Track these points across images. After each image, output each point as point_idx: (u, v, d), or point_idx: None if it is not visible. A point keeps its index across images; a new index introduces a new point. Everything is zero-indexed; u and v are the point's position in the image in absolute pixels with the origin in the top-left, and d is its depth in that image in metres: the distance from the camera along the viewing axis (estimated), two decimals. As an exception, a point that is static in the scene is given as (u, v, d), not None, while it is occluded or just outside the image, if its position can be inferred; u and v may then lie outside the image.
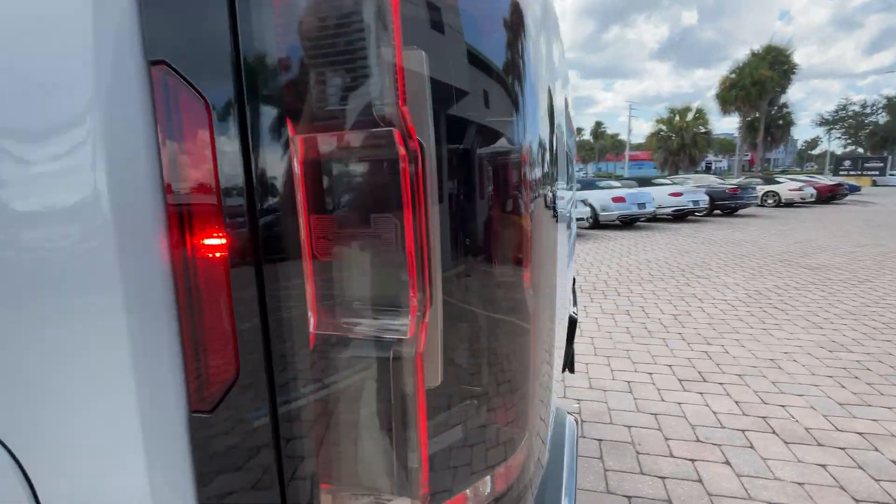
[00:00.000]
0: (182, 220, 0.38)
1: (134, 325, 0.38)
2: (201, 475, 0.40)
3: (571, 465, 0.84)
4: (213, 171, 0.38)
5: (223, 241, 0.38)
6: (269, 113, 0.36)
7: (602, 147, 78.86)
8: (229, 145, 0.37)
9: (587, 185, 13.69)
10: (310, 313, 0.38)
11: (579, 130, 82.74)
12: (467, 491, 0.42)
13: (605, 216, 12.19)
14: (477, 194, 0.40)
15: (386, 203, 0.36)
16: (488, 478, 0.43)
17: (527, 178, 0.43)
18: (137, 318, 0.38)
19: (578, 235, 11.07)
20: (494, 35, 0.41)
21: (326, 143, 0.37)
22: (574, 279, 2.15)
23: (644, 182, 15.28)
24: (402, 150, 0.35)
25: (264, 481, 0.39)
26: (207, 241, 0.38)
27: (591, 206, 11.99)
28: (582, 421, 2.59)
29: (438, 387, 0.39)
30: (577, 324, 1.73)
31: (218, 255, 0.38)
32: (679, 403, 2.81)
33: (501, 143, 0.42)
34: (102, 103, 0.37)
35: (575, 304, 1.92)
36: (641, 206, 12.27)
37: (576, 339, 2.69)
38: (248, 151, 0.37)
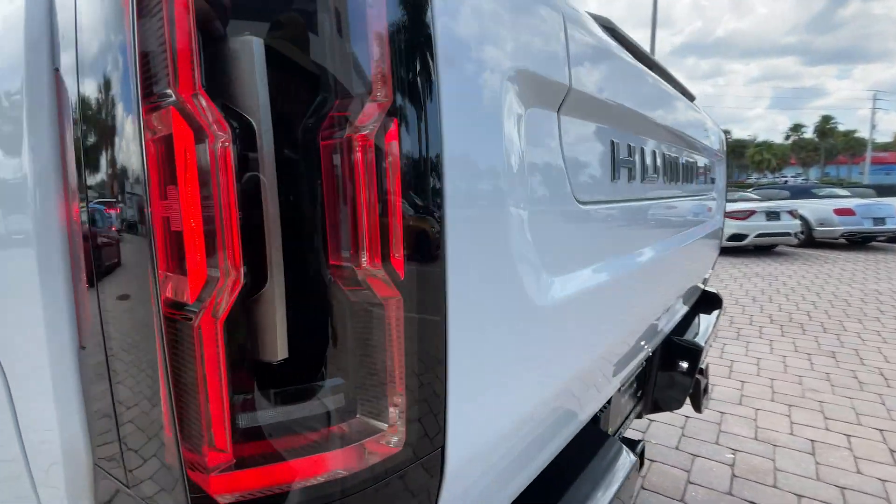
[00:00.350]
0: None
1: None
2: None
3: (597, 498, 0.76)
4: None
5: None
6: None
7: (831, 147, 63.45)
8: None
9: (798, 192, 11.23)
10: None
11: (798, 127, 68.20)
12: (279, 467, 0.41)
13: (822, 232, 9.79)
14: (313, 184, 0.41)
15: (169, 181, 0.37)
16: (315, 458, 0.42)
17: (389, 172, 0.42)
18: None
19: (779, 253, 9.17)
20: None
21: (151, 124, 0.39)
22: (713, 304, 1.84)
23: (887, 191, 11.82)
24: (184, 129, 0.36)
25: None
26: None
27: (803, 218, 9.68)
28: (732, 475, 2.17)
29: (285, 362, 0.40)
30: (702, 353, 1.47)
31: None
32: (883, 480, 2.13)
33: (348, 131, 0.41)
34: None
35: (704, 332, 1.65)
36: (879, 221, 9.50)
37: (713, 374, 2.37)
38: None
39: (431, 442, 0.48)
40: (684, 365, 1.45)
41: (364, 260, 0.42)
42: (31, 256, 0.47)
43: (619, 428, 1.31)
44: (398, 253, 0.43)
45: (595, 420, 1.06)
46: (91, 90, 0.42)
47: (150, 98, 0.37)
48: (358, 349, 0.44)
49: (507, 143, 0.56)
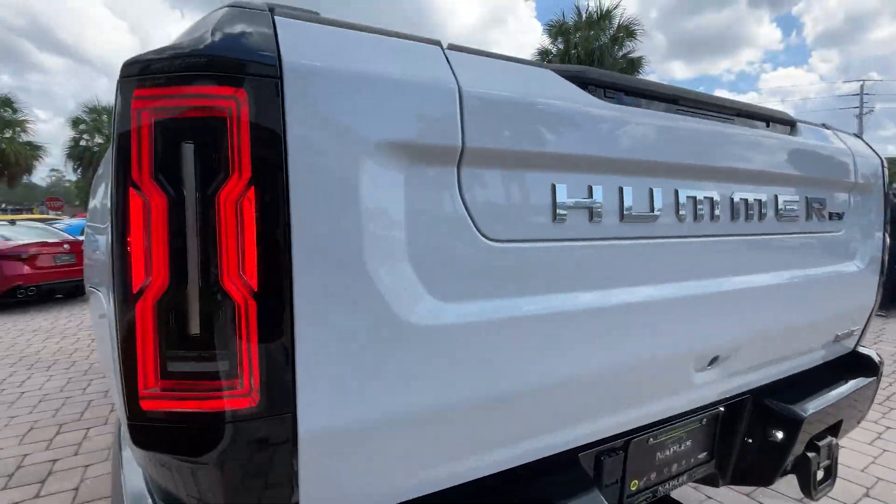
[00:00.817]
0: None
1: None
2: None
3: None
4: None
5: None
6: None
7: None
8: None
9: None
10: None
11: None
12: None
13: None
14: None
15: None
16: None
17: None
18: None
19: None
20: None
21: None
22: (862, 370, 1.47)
23: None
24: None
25: None
26: None
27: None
28: None
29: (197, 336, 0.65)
30: (801, 424, 1.20)
31: None
32: None
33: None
34: None
35: (823, 401, 1.34)
36: None
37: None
38: None
39: (281, 406, 0.67)
40: (778, 435, 1.21)
41: (234, 274, 0.64)
42: None
43: (649, 485, 1.15)
44: (253, 270, 0.64)
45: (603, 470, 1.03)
46: None
47: None
48: (234, 332, 0.65)
49: (364, 196, 0.70)
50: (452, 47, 0.83)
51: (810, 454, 1.26)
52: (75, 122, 25.62)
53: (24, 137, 25.14)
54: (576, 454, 0.99)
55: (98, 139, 25.38)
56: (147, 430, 0.67)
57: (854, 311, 1.37)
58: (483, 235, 0.79)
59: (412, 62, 0.77)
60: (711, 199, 1.02)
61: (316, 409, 0.69)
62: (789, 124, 1.23)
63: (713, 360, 1.12)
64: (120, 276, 0.64)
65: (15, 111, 24.92)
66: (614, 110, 0.91)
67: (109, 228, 0.67)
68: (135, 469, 0.82)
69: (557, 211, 0.85)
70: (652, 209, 0.94)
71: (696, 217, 0.99)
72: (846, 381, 1.38)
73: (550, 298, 0.85)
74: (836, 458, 1.33)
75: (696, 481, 1.29)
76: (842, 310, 1.34)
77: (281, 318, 0.66)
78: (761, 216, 1.10)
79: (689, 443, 1.20)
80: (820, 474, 1.27)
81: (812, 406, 1.24)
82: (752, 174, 1.09)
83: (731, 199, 1.05)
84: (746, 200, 1.07)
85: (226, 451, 0.66)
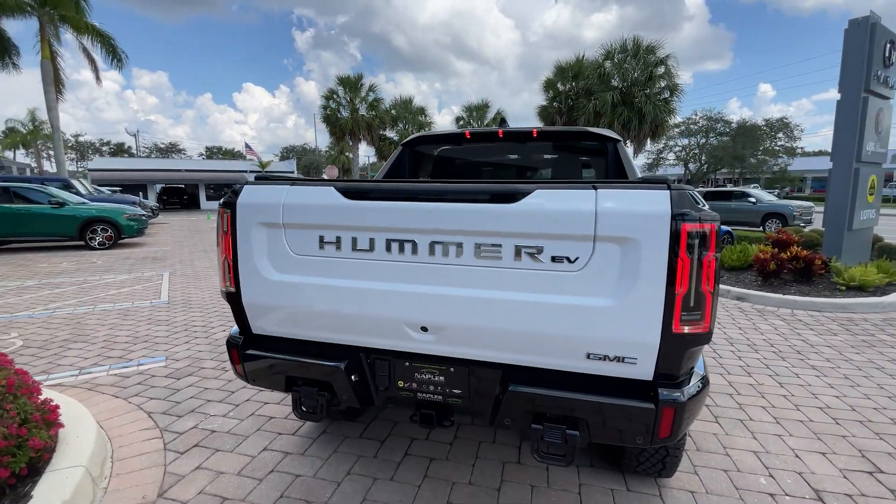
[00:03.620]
0: None
1: None
2: None
3: None
4: None
5: None
6: None
7: None
8: None
9: None
10: None
11: None
12: None
13: None
14: None
15: None
16: None
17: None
18: None
19: None
20: None
21: None
22: None
23: None
24: None
25: None
26: None
27: None
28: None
29: None
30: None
31: None
32: None
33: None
34: None
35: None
36: None
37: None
38: None
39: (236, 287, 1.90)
40: (495, 395, 1.71)
41: None
42: None
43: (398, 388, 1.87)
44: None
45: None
46: None
47: None
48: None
49: (266, 242, 1.90)
50: (276, 180, 1.93)
51: (536, 426, 1.58)
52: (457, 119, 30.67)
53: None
54: (358, 351, 1.86)
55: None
56: None
57: (614, 341, 1.48)
58: (292, 251, 1.85)
59: (276, 193, 1.83)
60: (413, 242, 1.65)
61: (249, 297, 1.89)
62: (516, 196, 1.52)
63: (424, 328, 1.71)
64: None
65: (425, 115, 30.40)
66: (353, 204, 1.73)
67: None
68: None
69: (322, 244, 1.80)
70: (369, 246, 1.73)
71: (399, 251, 1.68)
72: (601, 395, 1.52)
73: (316, 276, 1.81)
74: (574, 446, 1.55)
75: (463, 413, 1.87)
76: (582, 334, 1.50)
77: (230, 255, 1.90)
78: (459, 254, 1.60)
79: (443, 378, 1.76)
80: (559, 449, 1.58)
81: (533, 391, 1.57)
82: (452, 231, 1.60)
83: (430, 243, 1.64)
84: (442, 244, 1.62)
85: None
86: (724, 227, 10.38)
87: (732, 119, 43.68)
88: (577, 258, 1.48)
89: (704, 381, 1.58)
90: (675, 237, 1.37)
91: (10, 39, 18.36)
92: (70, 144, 64.71)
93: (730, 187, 23.45)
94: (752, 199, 16.84)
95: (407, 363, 1.76)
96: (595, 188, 1.45)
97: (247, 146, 41.19)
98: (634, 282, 1.43)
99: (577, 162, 3.22)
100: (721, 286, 6.85)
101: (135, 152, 57.09)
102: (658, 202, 1.39)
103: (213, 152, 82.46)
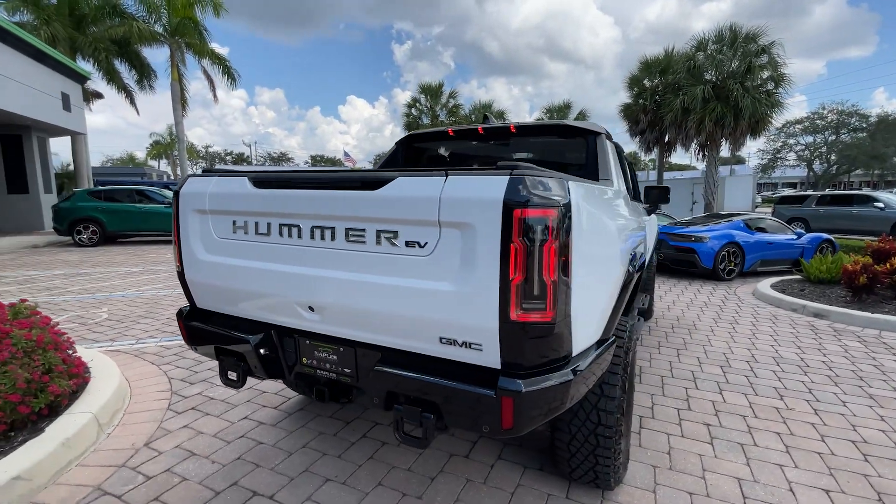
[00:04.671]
0: None
1: None
2: None
3: None
4: None
5: None
6: None
7: None
8: None
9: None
10: None
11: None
12: None
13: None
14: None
15: None
16: None
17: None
18: None
19: None
20: None
21: None
22: None
23: None
24: None
25: None
26: None
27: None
28: None
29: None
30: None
31: None
32: None
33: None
34: None
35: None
36: None
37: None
38: None
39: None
40: (350, 374, 1.84)
41: None
42: None
43: (302, 364, 1.96)
44: None
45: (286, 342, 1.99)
46: None
47: None
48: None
49: (194, 227, 2.12)
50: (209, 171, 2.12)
51: (397, 407, 1.60)
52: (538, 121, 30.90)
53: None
54: (270, 327, 1.99)
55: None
56: None
57: (460, 325, 1.46)
58: (215, 235, 2.05)
59: (205, 184, 2.05)
60: (298, 226, 1.78)
61: (189, 275, 2.14)
62: (381, 183, 1.56)
63: (311, 308, 1.81)
64: None
65: (504, 118, 30.21)
66: (257, 192, 1.89)
67: None
68: None
69: (234, 228, 1.98)
70: (267, 230, 1.88)
71: (289, 235, 1.81)
72: (450, 380, 1.51)
73: (231, 258, 2.00)
74: (430, 429, 1.55)
75: (360, 392, 2.02)
76: (433, 317, 1.50)
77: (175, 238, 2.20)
78: (333, 238, 1.69)
79: (335, 357, 1.84)
80: (416, 431, 1.58)
81: (392, 371, 1.61)
82: (330, 217, 1.70)
83: (311, 228, 1.75)
84: (320, 228, 1.73)
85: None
86: (823, 235, 9.00)
87: (871, 113, 37.33)
88: (426, 243, 1.49)
89: (572, 373, 1.49)
90: (507, 223, 1.32)
91: (149, 65, 21.84)
92: (201, 154, 74.60)
93: (853, 190, 20.18)
94: (880, 205, 14.32)
95: (307, 341, 1.88)
96: (447, 175, 1.46)
97: (345, 154, 44.27)
98: (474, 267, 1.41)
99: (559, 155, 3.10)
100: (797, 300, 6.00)
101: (251, 161, 64.46)
102: (494, 188, 1.36)
103: (316, 160, 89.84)
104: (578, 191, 1.54)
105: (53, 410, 2.61)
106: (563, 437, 2.06)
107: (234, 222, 1.95)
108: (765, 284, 7.08)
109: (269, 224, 1.84)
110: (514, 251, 1.33)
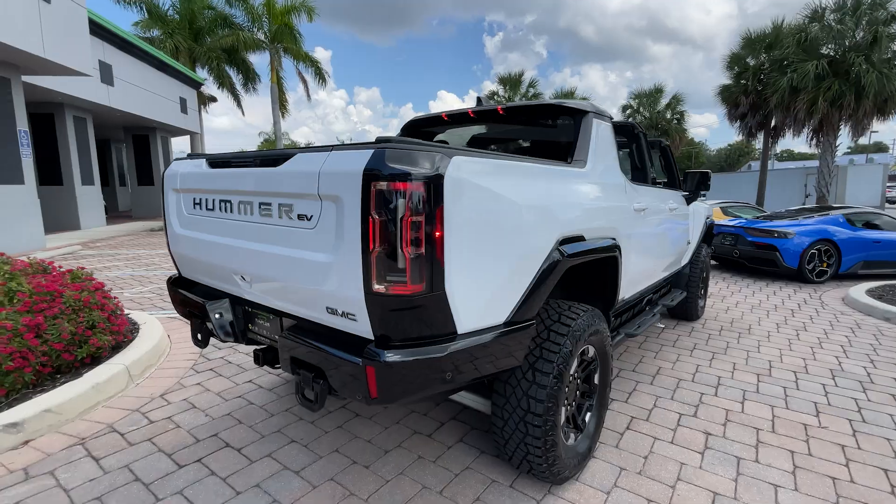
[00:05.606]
0: None
1: None
2: None
3: None
4: None
5: None
6: None
7: None
8: None
9: None
10: None
11: None
12: None
13: None
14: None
15: None
16: None
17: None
18: None
19: None
20: None
21: None
22: None
23: None
24: None
25: None
26: None
27: None
28: None
29: None
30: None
31: None
32: None
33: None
34: None
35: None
36: None
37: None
38: None
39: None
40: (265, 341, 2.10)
41: None
42: None
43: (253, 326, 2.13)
44: None
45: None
46: None
47: None
48: None
49: (175, 206, 2.40)
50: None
51: (297, 372, 1.69)
52: (624, 108, 27.53)
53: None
54: (226, 295, 2.19)
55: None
56: None
57: (337, 296, 1.52)
58: (185, 211, 2.28)
59: (178, 166, 2.34)
60: (230, 202, 1.96)
61: (171, 246, 2.43)
62: (284, 159, 1.66)
63: (243, 278, 1.96)
64: None
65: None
66: (209, 171, 2.10)
67: None
68: None
69: (194, 205, 2.21)
70: (212, 206, 2.08)
71: (226, 210, 1.99)
72: (330, 347, 1.56)
73: (192, 231, 2.22)
74: (320, 394, 1.63)
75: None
76: (318, 287, 1.56)
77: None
78: (251, 212, 1.84)
79: (268, 324, 1.99)
80: (309, 395, 1.67)
81: (290, 339, 1.68)
82: (250, 192, 1.85)
83: (238, 203, 1.91)
84: (243, 203, 1.88)
85: None
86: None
87: None
88: (311, 216, 1.55)
89: (443, 350, 1.46)
90: (366, 195, 1.34)
91: (254, 70, 24.21)
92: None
93: None
94: None
95: (248, 308, 2.05)
96: (331, 151, 1.51)
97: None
98: (343, 239, 1.44)
99: (552, 135, 2.94)
100: (866, 301, 5.11)
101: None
102: (358, 161, 1.37)
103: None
104: (469, 167, 1.50)
105: (95, 360, 3.12)
106: (498, 421, 2.01)
107: (194, 199, 2.17)
108: (859, 289, 6.04)
109: (214, 200, 2.04)
110: (371, 224, 1.34)
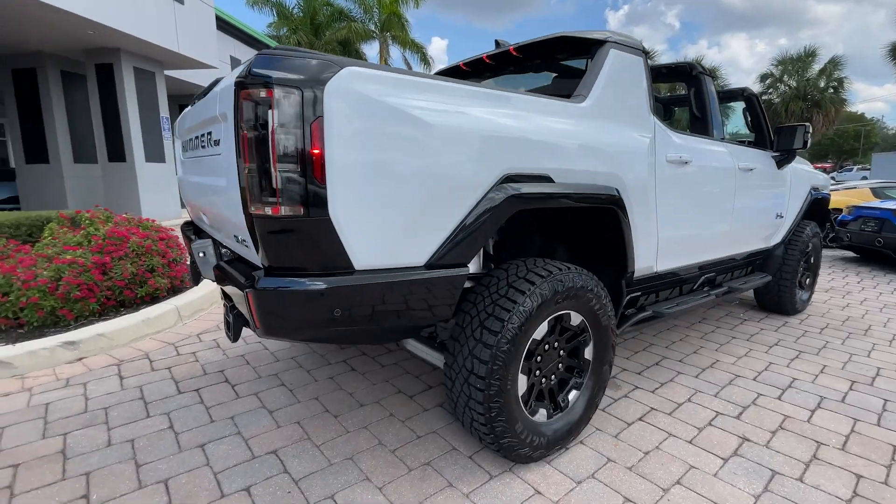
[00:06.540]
0: None
1: None
2: None
3: None
4: None
5: None
6: None
7: None
8: None
9: None
10: None
11: None
12: None
13: None
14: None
15: None
16: None
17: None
18: None
19: None
20: None
21: None
22: None
23: None
24: None
25: None
26: None
27: None
28: None
29: None
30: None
31: None
32: None
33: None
34: None
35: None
36: None
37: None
38: None
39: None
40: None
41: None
42: None
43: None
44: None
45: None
46: None
47: None
48: None
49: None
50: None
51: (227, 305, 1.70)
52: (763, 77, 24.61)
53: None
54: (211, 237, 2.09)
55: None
56: None
57: (233, 223, 1.48)
58: (182, 157, 2.35)
59: (181, 116, 2.31)
60: (190, 139, 2.01)
61: (180, 190, 2.53)
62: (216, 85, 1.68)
63: (203, 213, 2.01)
64: None
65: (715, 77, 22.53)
66: (186, 112, 2.17)
67: None
68: None
69: (185, 148, 2.20)
70: (186, 147, 2.17)
71: (190, 148, 2.05)
72: (231, 274, 1.55)
73: (183, 174, 2.28)
74: (232, 325, 1.72)
75: None
76: (228, 217, 1.54)
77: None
78: (196, 147, 1.89)
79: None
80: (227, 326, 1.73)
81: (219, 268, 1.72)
82: (196, 126, 1.91)
83: (195, 139, 1.94)
84: (193, 138, 1.96)
85: None
86: None
87: None
88: (218, 140, 1.52)
89: (323, 283, 1.32)
90: (237, 107, 1.25)
91: (367, 59, 25.69)
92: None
93: None
94: None
95: (224, 249, 2.13)
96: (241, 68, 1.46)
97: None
98: (229, 159, 1.37)
99: (567, 70, 2.56)
100: None
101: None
102: (237, 73, 1.29)
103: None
104: (366, 80, 1.33)
105: (154, 299, 3.56)
106: (447, 381, 1.83)
107: (182, 143, 2.31)
108: None
109: (189, 140, 2.13)
110: (243, 139, 1.26)
